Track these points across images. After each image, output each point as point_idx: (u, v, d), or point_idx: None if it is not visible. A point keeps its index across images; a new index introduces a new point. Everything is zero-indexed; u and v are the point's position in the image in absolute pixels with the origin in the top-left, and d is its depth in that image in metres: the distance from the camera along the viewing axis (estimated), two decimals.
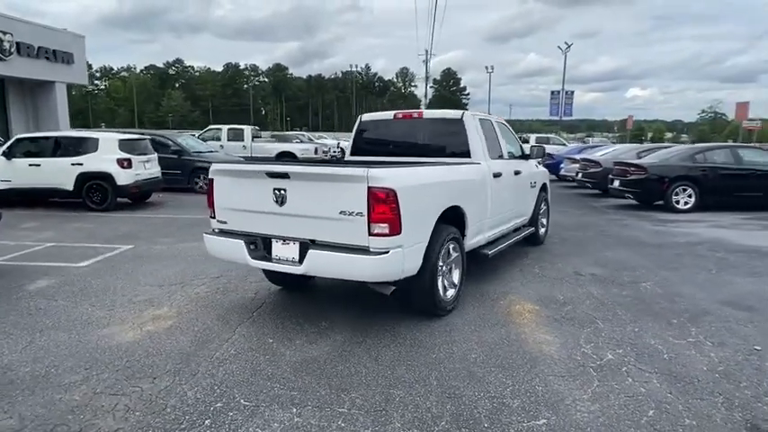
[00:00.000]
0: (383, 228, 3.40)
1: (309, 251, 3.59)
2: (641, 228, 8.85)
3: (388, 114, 5.65)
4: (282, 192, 3.67)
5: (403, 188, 3.49)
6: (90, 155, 9.89)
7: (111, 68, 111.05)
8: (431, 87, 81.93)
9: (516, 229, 6.26)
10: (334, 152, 26.38)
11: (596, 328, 3.99)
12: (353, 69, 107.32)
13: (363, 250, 3.46)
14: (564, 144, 23.80)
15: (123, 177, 9.92)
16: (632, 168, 10.76)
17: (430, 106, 72.93)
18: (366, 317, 4.23)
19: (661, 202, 10.58)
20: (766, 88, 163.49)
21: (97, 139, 10.05)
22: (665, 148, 13.44)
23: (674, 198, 10.37)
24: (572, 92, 47.90)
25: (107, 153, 9.91)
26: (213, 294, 4.88)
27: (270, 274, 4.89)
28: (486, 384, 3.10)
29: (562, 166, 16.62)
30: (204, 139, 17.75)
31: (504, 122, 6.44)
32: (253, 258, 3.92)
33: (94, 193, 10.02)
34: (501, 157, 5.64)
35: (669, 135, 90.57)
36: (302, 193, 3.63)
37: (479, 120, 5.38)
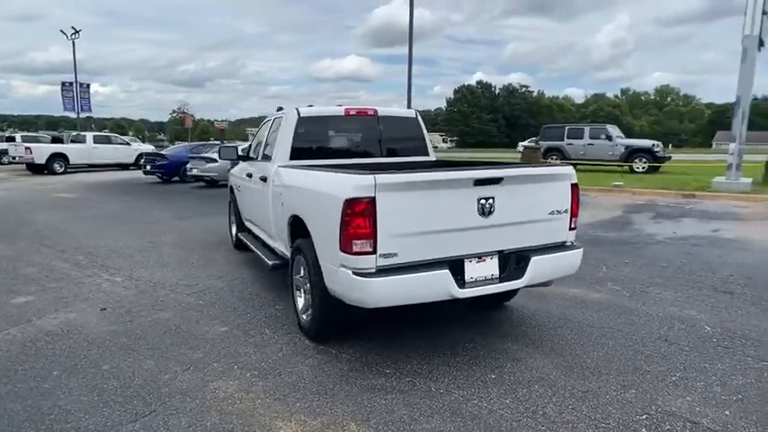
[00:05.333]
0: (575, 221, 3.49)
1: (533, 259, 3.19)
2: None
3: (337, 110, 4.65)
4: (490, 200, 3.07)
5: None
6: None
7: None
8: None
9: None
10: None
11: (621, 282, 4.97)
12: None
13: (562, 246, 3.43)
14: None
15: None
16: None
17: None
18: (458, 338, 3.62)
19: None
20: (210, 93, 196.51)
21: None
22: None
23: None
24: (88, 85, 42.58)
25: None
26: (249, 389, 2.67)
27: (316, 327, 3.43)
28: (693, 330, 3.72)
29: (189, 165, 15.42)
30: None
31: None
32: (461, 289, 2.98)
33: None
34: None
35: (148, 134, 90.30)
36: (512, 198, 3.17)
37: None
